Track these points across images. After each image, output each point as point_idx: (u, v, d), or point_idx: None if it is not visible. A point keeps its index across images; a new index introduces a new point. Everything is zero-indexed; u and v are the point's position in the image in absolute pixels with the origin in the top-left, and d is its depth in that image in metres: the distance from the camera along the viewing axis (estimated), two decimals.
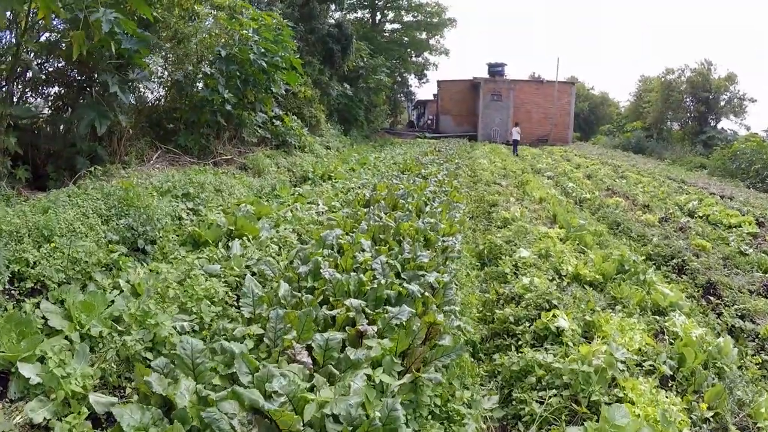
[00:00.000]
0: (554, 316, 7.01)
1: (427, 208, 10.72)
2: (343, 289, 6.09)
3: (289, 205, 14.16)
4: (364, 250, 7.70)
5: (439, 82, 55.34)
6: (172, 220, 10.83)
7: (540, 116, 53.80)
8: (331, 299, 5.98)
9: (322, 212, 13.38)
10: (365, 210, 9.90)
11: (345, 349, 4.77)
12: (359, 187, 16.27)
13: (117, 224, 8.84)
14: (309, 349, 4.76)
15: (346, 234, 8.61)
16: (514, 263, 9.70)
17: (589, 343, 6.42)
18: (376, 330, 5.06)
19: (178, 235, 10.38)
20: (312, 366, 4.61)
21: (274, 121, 21.91)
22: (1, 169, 9.84)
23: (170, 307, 6.61)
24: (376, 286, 6.01)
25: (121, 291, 7.03)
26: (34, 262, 6.70)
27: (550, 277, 9.04)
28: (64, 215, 8.16)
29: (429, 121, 58.72)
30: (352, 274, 6.41)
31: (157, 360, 4.70)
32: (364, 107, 37.19)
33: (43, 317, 5.64)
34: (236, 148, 20.48)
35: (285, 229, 11.46)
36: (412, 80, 59.36)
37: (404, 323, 5.24)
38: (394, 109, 57.66)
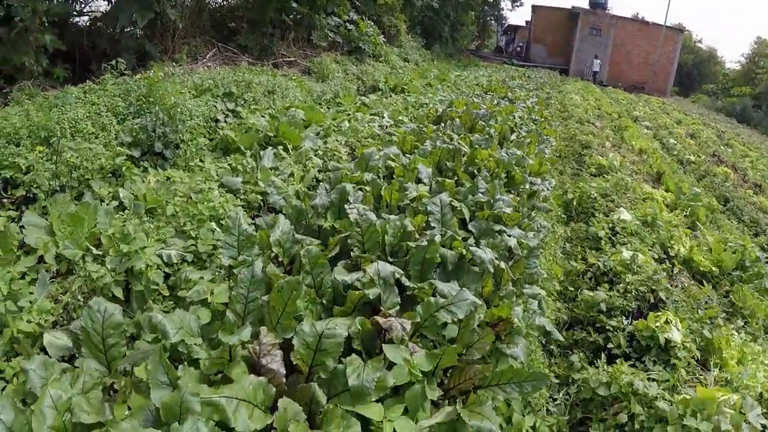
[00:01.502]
0: (666, 322, 4.86)
1: (513, 136, 8.40)
2: (374, 239, 4.09)
3: (349, 115, 12.13)
4: (420, 181, 5.59)
5: (534, 7, 50.47)
6: (205, 121, 9.36)
7: (640, 60, 48.75)
8: (354, 252, 3.97)
9: (386, 126, 11.35)
10: (434, 128, 7.66)
11: (350, 355, 2.84)
12: (434, 104, 14.03)
13: (132, 124, 7.72)
14: (287, 347, 2.84)
15: (403, 155, 6.41)
16: (610, 225, 7.48)
17: (704, 370, 4.78)
18: (410, 326, 3.04)
19: (211, 139, 9.01)
20: (284, 379, 2.72)
21: (347, 25, 19.65)
22: (36, 68, 9.38)
23: (164, 229, 5.37)
24: (425, 242, 3.92)
25: (120, 203, 6.01)
26: (27, 168, 5.94)
27: (656, 256, 6.85)
28: (69, 114, 7.27)
29: (518, 48, 54.24)
30: (392, 217, 4.34)
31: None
32: (449, 23, 34.02)
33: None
34: (302, 50, 18.55)
35: (336, 140, 9.53)
36: (505, 2, 54.83)
37: (459, 321, 3.21)
38: (482, 31, 53.54)
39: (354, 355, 2.84)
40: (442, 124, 7.93)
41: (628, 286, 5.80)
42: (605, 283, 6.12)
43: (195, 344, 3.03)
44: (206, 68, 14.12)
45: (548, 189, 5.87)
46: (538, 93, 17.60)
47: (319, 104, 13.49)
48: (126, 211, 5.87)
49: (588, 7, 49.47)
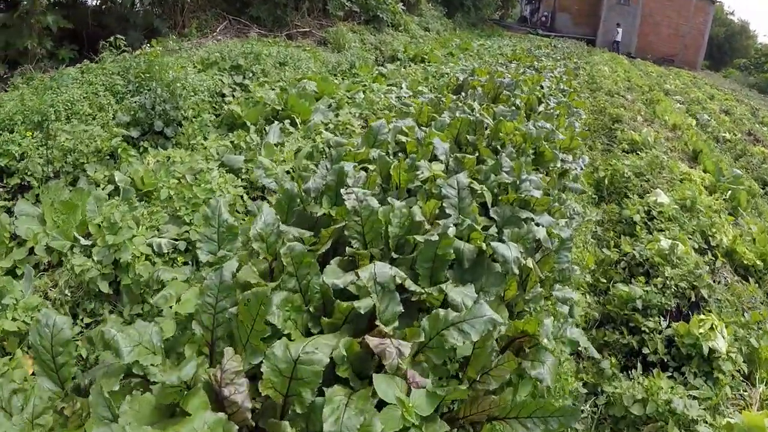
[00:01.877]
0: (712, 328, 4.24)
1: (541, 108, 7.63)
2: (376, 230, 3.44)
3: (365, 86, 11.49)
4: (436, 158, 4.81)
5: None
6: (211, 96, 9.02)
7: (670, 32, 46.80)
8: (351, 247, 3.35)
9: (404, 97, 10.70)
10: (453, 98, 6.95)
11: (332, 387, 2.25)
12: (456, 73, 13.30)
13: (130, 103, 7.45)
14: (254, 375, 2.27)
15: (418, 127, 5.68)
16: (646, 209, 6.79)
17: (750, 386, 4.25)
18: (409, 348, 2.42)
19: (217, 115, 8.62)
20: (250, 414, 2.16)
21: None
22: (39, 51, 9.14)
23: (158, 214, 5.01)
24: (436, 236, 3.22)
25: (116, 187, 5.76)
26: (21, 155, 5.78)
27: (696, 246, 6.19)
28: (64, 96, 7.00)
29: (543, 18, 52.33)
30: (397, 203, 3.61)
31: None
32: None
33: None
34: (317, 21, 17.86)
35: (349, 113, 8.91)
36: None
37: (473, 342, 2.58)
38: (505, 1, 52.05)
39: (337, 387, 2.25)
40: (463, 94, 7.19)
41: (667, 281, 5.15)
42: (641, 275, 5.47)
43: (154, 364, 2.48)
44: (216, 42, 13.64)
45: (581, 168, 5.15)
46: (565, 63, 16.70)
47: (335, 75, 12.92)
48: (118, 196, 5.51)
49: None
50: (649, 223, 6.55)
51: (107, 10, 11.44)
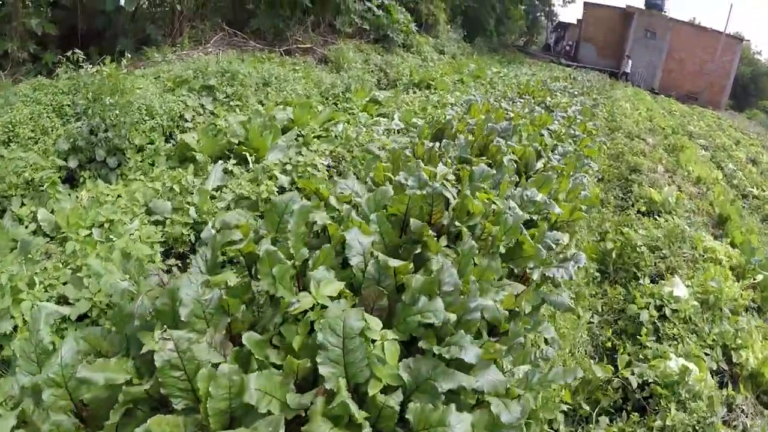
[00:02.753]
0: None
1: (540, 164, 6.12)
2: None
3: (352, 114, 10.17)
4: (346, 263, 3.16)
5: (585, 3, 47.11)
6: (172, 120, 7.89)
7: (694, 69, 44.97)
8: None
9: (395, 130, 9.39)
10: (429, 145, 5.48)
11: None
12: (461, 104, 11.94)
13: (72, 128, 6.64)
14: None
15: (368, 192, 4.14)
16: (658, 303, 5.32)
17: None
18: None
19: (174, 144, 7.42)
20: None
21: (376, 10, 17.60)
22: (19, 55, 8.89)
23: (61, 272, 4.33)
24: None
25: (39, 227, 5.16)
26: None
27: (714, 366, 4.72)
28: (6, 117, 6.51)
29: (567, 47, 50.87)
30: (224, 368, 2.20)
31: None
32: (495, 16, 31.54)
33: None
34: (323, 36, 16.64)
35: (316, 150, 7.54)
36: None
37: None
38: (531, 27, 50.64)
39: None
40: (443, 142, 5.73)
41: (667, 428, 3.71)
42: (634, 411, 4.01)
43: None
44: (205, 54, 12.57)
45: (571, 273, 3.63)
46: (583, 100, 15.21)
47: (325, 99, 11.61)
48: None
49: (644, 7, 46.04)
50: (659, 324, 5.07)
51: (93, 12, 10.69)
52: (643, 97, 27.93)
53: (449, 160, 4.96)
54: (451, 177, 4.36)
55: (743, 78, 62.16)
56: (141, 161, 6.86)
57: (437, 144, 5.46)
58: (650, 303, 5.29)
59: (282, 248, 2.92)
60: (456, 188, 4.14)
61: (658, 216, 8.02)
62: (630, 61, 39.87)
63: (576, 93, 15.62)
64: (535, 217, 4.53)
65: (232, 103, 9.14)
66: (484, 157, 5.53)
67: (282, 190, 6.26)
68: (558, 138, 7.90)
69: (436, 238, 3.39)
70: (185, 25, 13.49)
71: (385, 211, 3.63)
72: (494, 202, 3.94)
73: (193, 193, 5.90)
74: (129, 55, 9.26)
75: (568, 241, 4.53)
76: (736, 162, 16.00)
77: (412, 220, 3.34)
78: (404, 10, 18.64)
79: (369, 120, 9.71)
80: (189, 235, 5.42)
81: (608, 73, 38.17)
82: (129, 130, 6.74)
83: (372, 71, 15.13)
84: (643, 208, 8.38)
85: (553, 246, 4.10)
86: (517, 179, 5.38)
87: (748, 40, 64.27)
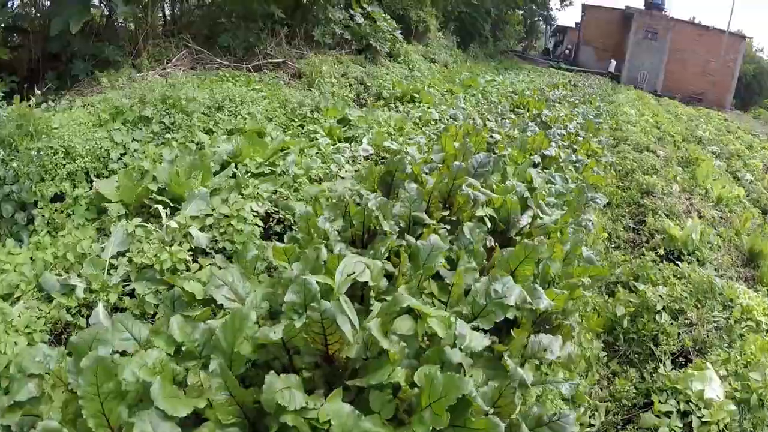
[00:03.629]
0: None
1: (525, 219, 4.37)
2: None
3: (313, 141, 8.62)
4: None
5: (584, 6, 45.24)
6: (98, 161, 6.47)
7: (697, 69, 43.14)
8: None
9: (362, 157, 7.86)
10: (370, 199, 3.83)
11: None
12: (448, 119, 10.37)
13: None
14: None
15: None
16: (681, 408, 3.70)
17: None
18: None
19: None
20: None
21: (358, 18, 16.04)
22: None
23: None
24: None
25: None
26: None
27: None
28: None
29: (567, 51, 49.14)
30: None
31: None
32: (491, 21, 29.89)
33: None
34: (298, 49, 15.06)
35: (252, 194, 5.96)
36: (553, 1, 49.77)
37: None
38: (529, 32, 48.98)
39: None
40: (393, 194, 4.10)
41: None
42: None
43: None
44: (162, 76, 11.14)
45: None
46: (584, 110, 13.57)
47: (291, 120, 10.08)
48: None
49: (643, 7, 44.26)
50: None
51: (53, 38, 9.57)
52: (647, 101, 26.25)
53: (390, 229, 3.31)
54: (377, 269, 2.72)
55: (746, 76, 59.84)
56: (54, 215, 5.43)
57: (376, 200, 3.80)
58: (672, 408, 3.67)
59: None
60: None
61: (680, 260, 6.38)
62: (613, 62, 40.35)
63: (577, 101, 13.98)
64: (510, 315, 2.90)
65: (170, 136, 7.57)
66: (448, 212, 3.91)
67: (200, 254, 4.74)
68: (556, 166, 6.27)
69: None
70: (148, 44, 12.20)
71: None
72: (441, 322, 2.30)
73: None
74: (86, 78, 8.75)
75: (559, 350, 2.88)
76: (752, 171, 14.29)
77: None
78: (390, 17, 17.03)
79: (328, 148, 8.11)
80: (75, 321, 4.08)
81: (609, 76, 36.52)
82: (38, 179, 5.46)
83: (350, 85, 13.55)
84: (661, 249, 6.73)
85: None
86: (492, 244, 3.74)
87: (751, 38, 62.10)
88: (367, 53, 16.12)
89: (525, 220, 4.16)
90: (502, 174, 5.36)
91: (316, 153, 8.20)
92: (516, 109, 11.61)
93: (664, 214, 7.98)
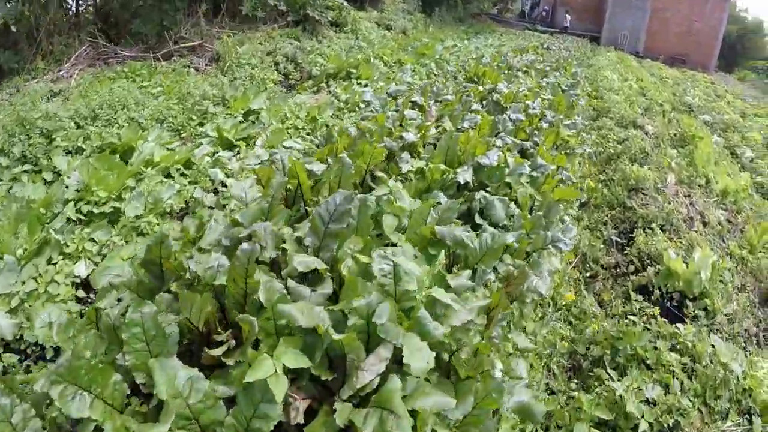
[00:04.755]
0: None
1: (371, 369, 2.08)
2: None
3: (192, 148, 6.36)
4: None
5: None
6: None
7: (681, 30, 40.27)
8: None
9: (252, 168, 5.68)
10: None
11: None
12: (387, 97, 8.07)
13: None
14: None
15: None
16: None
17: None
18: None
19: None
20: None
21: None
22: None
23: None
24: None
25: None
26: None
27: None
28: None
29: (543, 13, 46.21)
30: None
31: None
32: None
33: None
34: (221, 28, 12.71)
35: (74, 254, 3.69)
36: None
37: None
38: None
39: None
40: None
41: None
42: None
43: None
44: (53, 81, 9.64)
45: None
46: (555, 76, 11.18)
47: (189, 119, 7.85)
48: None
49: None
50: None
51: None
52: (629, 64, 23.81)
53: None
54: None
55: (730, 37, 56.95)
56: None
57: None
58: None
59: None
60: None
61: (680, 310, 4.19)
62: (568, 17, 38.93)
63: (547, 68, 11.56)
64: None
65: (19, 169, 5.39)
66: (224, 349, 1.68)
67: None
68: (497, 184, 3.99)
69: None
70: (53, 42, 10.26)
71: None
72: None
73: None
74: None
75: None
76: (751, 145, 12.05)
77: None
78: None
79: (201, 163, 5.82)
80: None
81: (588, 38, 33.95)
82: None
83: (277, 65, 11.15)
84: (655, 289, 4.51)
85: None
86: None
87: None
88: (305, 25, 13.64)
89: (373, 370, 1.90)
90: (377, 219, 3.12)
91: (193, 167, 5.99)
92: (469, 83, 9.24)
93: (659, 226, 5.74)
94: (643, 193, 6.67)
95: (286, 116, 7.43)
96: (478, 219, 3.69)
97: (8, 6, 9.71)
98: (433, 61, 12.19)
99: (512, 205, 3.89)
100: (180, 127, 7.77)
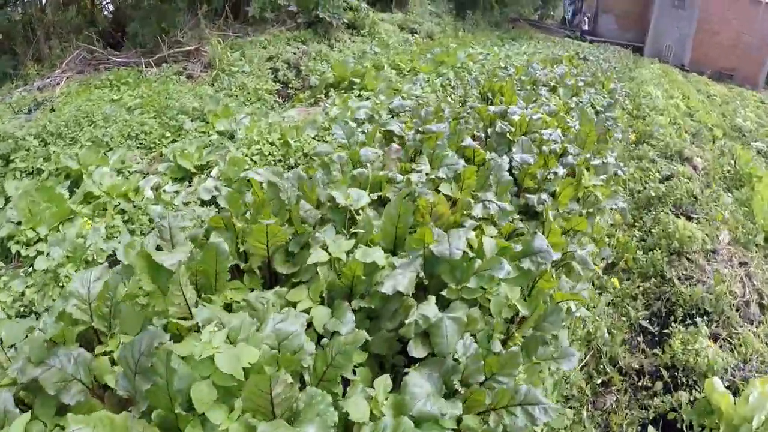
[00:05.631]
0: None
1: None
2: None
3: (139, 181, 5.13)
4: None
5: None
6: None
7: (729, 41, 37.30)
8: None
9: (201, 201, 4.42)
10: None
11: None
12: (387, 113, 6.79)
13: None
14: None
15: None
16: None
17: None
18: None
19: None
20: None
21: None
22: None
23: None
24: None
25: None
26: None
27: None
28: None
29: (585, 19, 44.20)
30: None
31: None
32: None
33: None
34: (224, 31, 11.63)
35: None
36: None
37: None
38: (546, 1, 43.86)
39: None
40: None
41: None
42: None
43: None
44: (40, 90, 8.85)
45: None
46: (590, 93, 9.62)
47: (164, 137, 6.70)
48: None
49: None
50: None
51: None
52: (674, 78, 21.88)
53: None
54: None
55: None
56: None
57: None
58: None
59: None
60: None
61: None
62: (586, 19, 36.77)
63: (581, 83, 9.97)
64: None
65: None
66: None
67: None
68: (462, 286, 2.59)
69: None
70: (47, 46, 10.00)
71: None
72: None
73: None
74: None
75: None
76: None
77: None
78: None
79: (140, 199, 4.65)
80: None
81: (632, 47, 31.84)
82: None
83: (277, 71, 9.88)
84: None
85: None
86: None
87: None
88: (317, 27, 12.34)
89: None
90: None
91: (135, 203, 4.84)
92: (484, 99, 7.76)
93: (703, 314, 4.23)
94: (687, 258, 5.14)
95: (254, 139, 6.12)
96: (415, 350, 2.33)
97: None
98: (452, 70, 10.71)
99: (478, 325, 2.50)
100: (153, 145, 6.67)
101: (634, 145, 9.19)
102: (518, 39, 23.67)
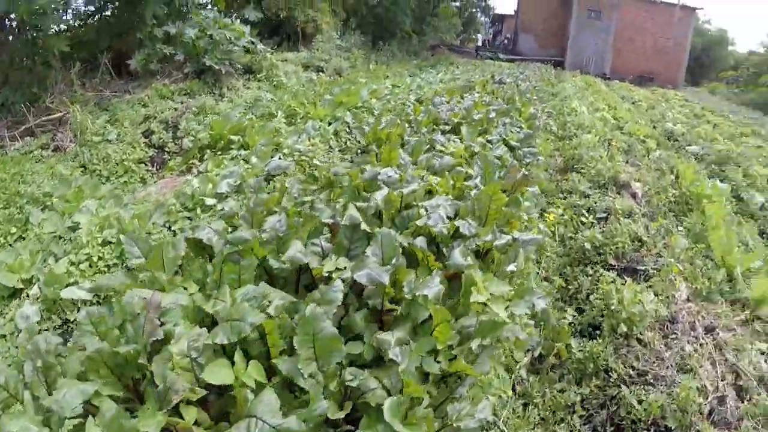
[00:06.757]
0: None
1: None
2: None
3: None
4: None
5: None
6: None
7: (647, 48, 37.98)
8: None
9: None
10: None
11: None
12: (264, 175, 5.35)
13: None
14: None
15: None
16: None
17: None
18: None
19: None
20: None
21: (189, 32, 10.84)
22: None
23: None
24: None
25: None
26: None
27: None
28: None
29: (506, 41, 43.89)
30: None
31: None
32: (411, 14, 24.56)
33: None
34: (100, 91, 10.06)
35: None
36: None
37: None
38: (467, 24, 43.64)
39: None
40: None
41: None
42: None
43: None
44: None
45: None
46: (505, 124, 8.40)
47: (9, 233, 4.96)
48: None
49: None
50: None
51: None
52: (597, 88, 21.22)
53: None
54: None
55: (695, 49, 54.89)
56: None
57: None
58: None
59: None
60: None
61: None
62: (506, 40, 36.06)
63: (492, 113, 8.73)
64: None
65: None
66: None
67: None
68: None
69: None
70: None
71: None
72: None
73: None
74: None
75: None
76: (759, 186, 9.21)
77: None
78: (236, 23, 11.71)
79: None
80: None
81: (552, 63, 31.49)
82: None
83: (152, 134, 8.35)
84: None
85: None
86: None
87: (701, 9, 57.16)
88: (207, 77, 10.87)
89: None
90: None
91: None
92: (365, 152, 6.40)
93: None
94: (638, 340, 3.81)
95: (81, 242, 4.56)
96: None
97: None
98: (352, 112, 9.36)
99: None
100: None
101: (560, 175, 8.00)
102: (437, 66, 22.76)
